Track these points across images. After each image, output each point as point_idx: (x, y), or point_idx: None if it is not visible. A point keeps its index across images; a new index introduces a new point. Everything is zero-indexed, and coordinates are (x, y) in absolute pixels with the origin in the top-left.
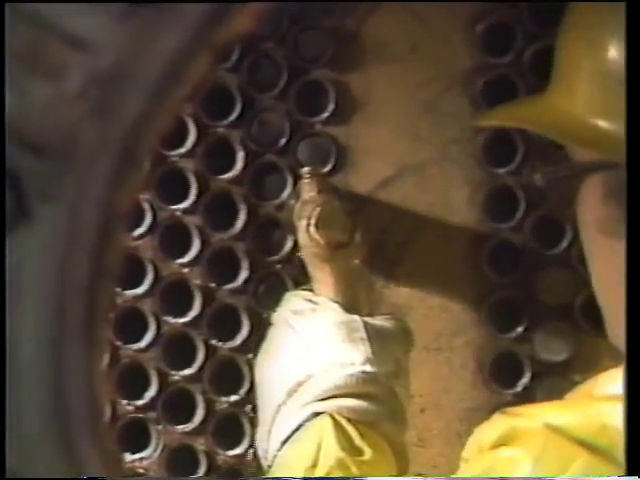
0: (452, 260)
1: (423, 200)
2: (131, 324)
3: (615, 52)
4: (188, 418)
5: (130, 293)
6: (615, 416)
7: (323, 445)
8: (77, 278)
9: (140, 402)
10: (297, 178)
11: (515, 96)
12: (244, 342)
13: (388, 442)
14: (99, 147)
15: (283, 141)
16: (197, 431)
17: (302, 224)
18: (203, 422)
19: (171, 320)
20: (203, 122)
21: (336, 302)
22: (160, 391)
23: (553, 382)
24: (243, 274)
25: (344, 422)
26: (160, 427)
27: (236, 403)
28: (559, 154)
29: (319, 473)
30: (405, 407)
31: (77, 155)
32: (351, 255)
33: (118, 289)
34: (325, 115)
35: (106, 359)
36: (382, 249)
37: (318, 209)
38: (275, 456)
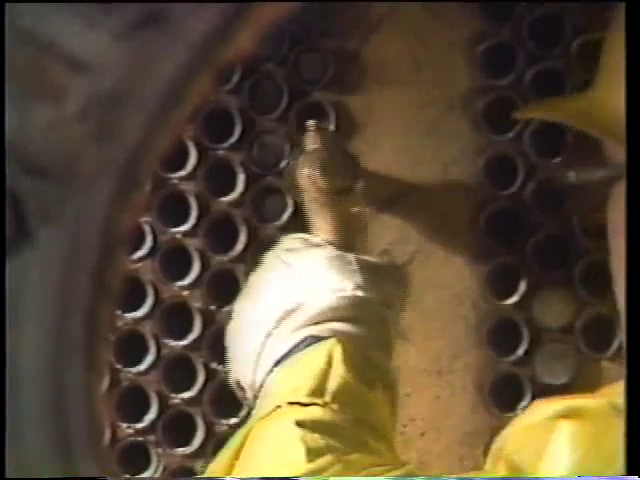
0: (453, 282)
1: (424, 222)
2: (131, 347)
3: None
4: (188, 441)
5: (130, 316)
6: None
7: (333, 366)
8: (77, 300)
9: (140, 425)
10: (298, 199)
11: (515, 117)
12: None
13: (379, 374)
14: (100, 169)
15: (284, 163)
16: (197, 454)
17: (306, 170)
18: (203, 445)
19: (171, 343)
20: (204, 144)
21: (331, 243)
22: (160, 414)
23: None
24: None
25: (353, 348)
26: (160, 450)
27: (236, 426)
28: (594, 156)
29: (327, 396)
30: (393, 338)
31: (78, 177)
32: (351, 202)
33: (118, 311)
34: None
35: (106, 382)
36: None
37: (322, 154)
38: (264, 381)
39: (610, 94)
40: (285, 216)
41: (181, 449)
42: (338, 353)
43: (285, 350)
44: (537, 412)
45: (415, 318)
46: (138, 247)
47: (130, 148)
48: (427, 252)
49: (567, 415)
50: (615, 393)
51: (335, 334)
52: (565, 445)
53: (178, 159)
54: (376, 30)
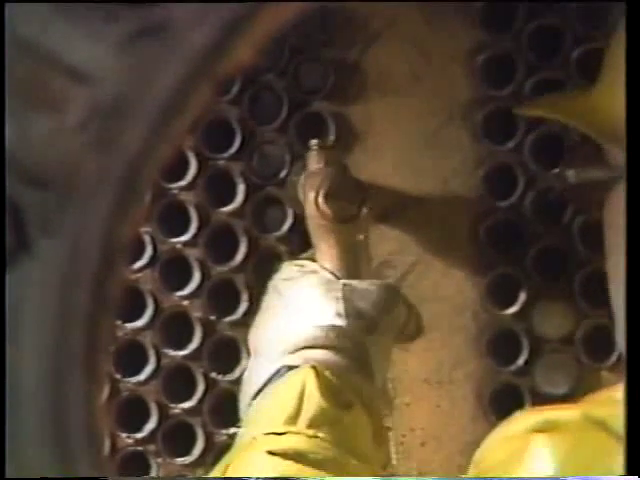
0: (453, 292)
1: (424, 232)
2: (131, 357)
3: None
4: (188, 451)
5: (130, 326)
6: None
7: (306, 393)
8: (77, 310)
9: (140, 435)
10: (298, 210)
11: (515, 128)
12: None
13: (359, 398)
14: (100, 180)
15: (284, 173)
16: (197, 464)
17: (310, 195)
18: (203, 455)
19: (171, 353)
20: (204, 155)
21: (326, 269)
22: (160, 424)
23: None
24: (243, 306)
25: (327, 373)
26: (160, 460)
27: (236, 436)
28: (595, 155)
29: (301, 423)
30: (376, 363)
31: (78, 188)
32: (357, 230)
33: (118, 322)
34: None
35: (106, 392)
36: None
37: (328, 180)
38: (246, 411)
39: (612, 96)
40: (285, 226)
41: (181, 459)
42: (311, 379)
43: (262, 382)
44: (517, 423)
45: None
46: (138, 257)
47: (130, 158)
48: (427, 263)
49: (542, 428)
50: (591, 404)
51: (308, 362)
52: (541, 458)
53: (178, 169)
54: (376, 41)
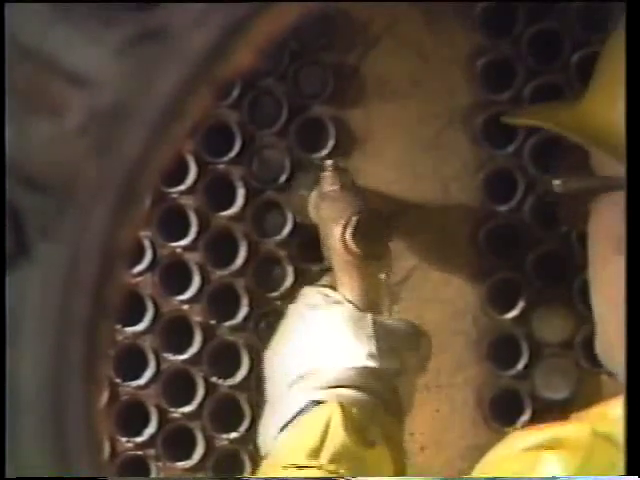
0: (453, 297)
1: (424, 237)
2: (131, 361)
3: None
4: (188, 455)
5: (130, 330)
6: None
7: (330, 429)
8: (77, 315)
9: (140, 439)
10: (303, 220)
11: (515, 133)
12: (244, 379)
13: (385, 438)
14: (99, 184)
15: (284, 178)
16: (197, 468)
17: (336, 229)
18: (203, 459)
19: (171, 357)
20: (203, 159)
21: (351, 302)
22: (160, 428)
23: (554, 420)
24: (243, 311)
25: (354, 410)
26: (160, 464)
27: (236, 440)
28: (582, 165)
29: (324, 458)
30: (405, 405)
31: (77, 192)
32: (381, 267)
33: (118, 326)
34: (325, 152)
35: (106, 396)
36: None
37: (356, 217)
38: (273, 442)
39: (601, 106)
40: (285, 231)
41: (181, 463)
42: (337, 416)
43: (290, 415)
44: (514, 443)
45: None
46: (138, 261)
47: (130, 163)
48: (427, 268)
49: (550, 446)
50: (598, 419)
51: (339, 399)
52: (552, 476)
53: (178, 173)
54: (376, 45)
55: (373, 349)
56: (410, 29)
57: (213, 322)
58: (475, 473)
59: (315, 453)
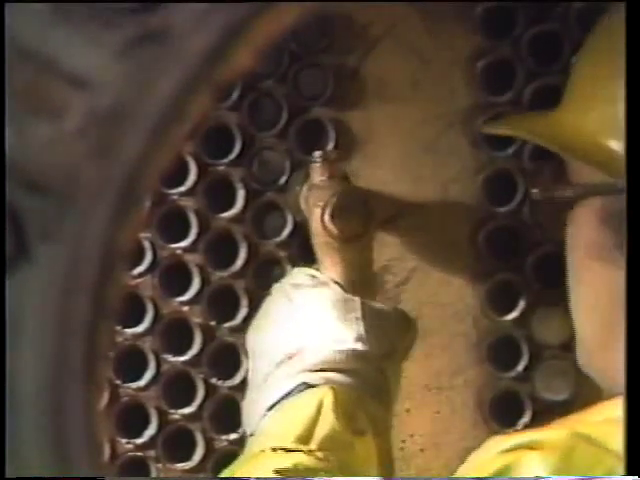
0: (452, 299)
1: (423, 239)
2: (131, 362)
3: None
4: (188, 456)
5: (130, 331)
6: None
7: (321, 414)
8: (77, 316)
9: (140, 441)
10: (298, 218)
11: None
12: (244, 381)
13: (372, 422)
14: (99, 186)
15: (284, 180)
16: (197, 469)
17: (316, 212)
18: (203, 460)
19: (171, 358)
20: (203, 161)
21: (337, 283)
22: (160, 430)
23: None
24: (243, 312)
25: (345, 397)
26: (160, 465)
27: (236, 441)
28: (559, 174)
29: (313, 443)
30: (393, 390)
31: (77, 194)
32: (363, 247)
33: (118, 327)
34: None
35: (106, 397)
36: (382, 288)
37: (334, 197)
38: (260, 421)
39: (575, 115)
40: (285, 232)
41: (181, 464)
42: (328, 401)
43: (279, 396)
44: (494, 446)
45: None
46: (138, 263)
47: (130, 164)
48: (427, 269)
49: (531, 446)
50: (577, 423)
51: (328, 382)
52: (535, 473)
53: (178, 175)
54: (376, 47)
55: (362, 331)
56: (410, 31)
57: (213, 323)
58: (458, 473)
59: (305, 438)
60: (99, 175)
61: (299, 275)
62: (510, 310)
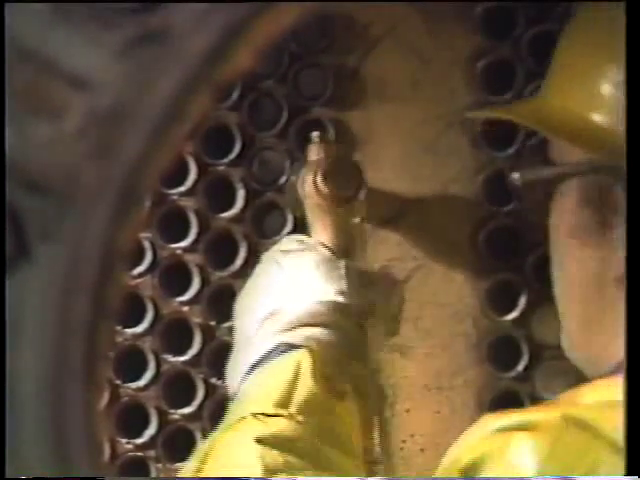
0: (453, 298)
1: (424, 238)
2: (131, 362)
3: (614, 55)
4: (188, 456)
5: (130, 331)
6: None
7: (300, 378)
8: (77, 316)
9: (140, 440)
10: (297, 213)
11: (515, 134)
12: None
13: (352, 383)
14: (99, 186)
15: (283, 179)
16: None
17: (309, 176)
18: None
19: (171, 358)
20: (203, 161)
21: (326, 246)
22: (160, 429)
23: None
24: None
25: (324, 359)
26: (160, 465)
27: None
28: (542, 159)
29: (293, 407)
30: (371, 349)
31: (77, 194)
32: (353, 211)
33: (118, 327)
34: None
35: (106, 397)
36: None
37: (328, 160)
38: (241, 383)
39: (559, 95)
40: (285, 232)
41: (181, 464)
42: (307, 364)
43: (259, 356)
44: (486, 425)
45: (415, 335)
46: (138, 263)
47: (130, 164)
48: (427, 269)
49: (523, 428)
50: (569, 405)
51: (308, 341)
52: (522, 455)
53: (178, 175)
54: (376, 47)
55: (343, 287)
56: (410, 31)
57: (213, 323)
58: (449, 454)
59: (284, 402)
60: (99, 175)
61: (288, 241)
62: (510, 310)
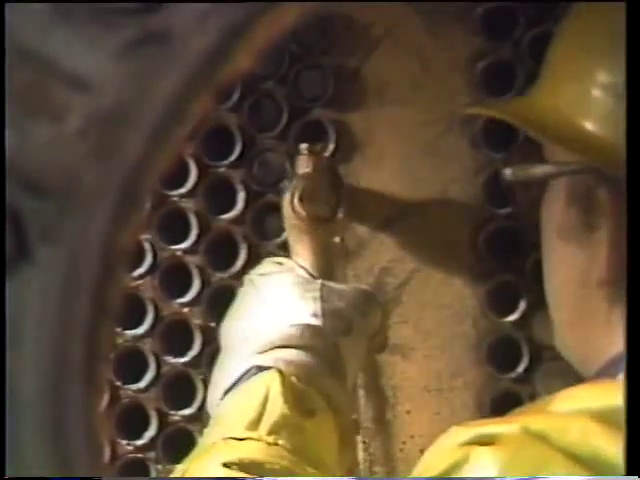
0: (453, 300)
1: (423, 240)
2: (131, 364)
3: (604, 59)
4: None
5: (130, 333)
6: (594, 429)
7: (269, 399)
8: (77, 318)
9: (140, 442)
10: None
11: (515, 136)
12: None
13: (328, 400)
14: (100, 187)
15: (284, 181)
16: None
17: (287, 196)
18: None
19: (171, 360)
20: (204, 162)
21: (303, 267)
22: (160, 431)
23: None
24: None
25: (293, 379)
26: (160, 467)
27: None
28: (535, 156)
29: (262, 429)
30: (348, 367)
31: (78, 195)
32: (332, 231)
33: (118, 329)
34: (325, 155)
35: (106, 399)
36: (382, 289)
37: (303, 182)
38: (217, 407)
39: (549, 96)
40: (285, 234)
41: (180, 466)
42: (276, 385)
43: (233, 380)
44: (455, 436)
45: (415, 336)
46: (138, 264)
47: (130, 166)
48: (427, 271)
49: (482, 441)
50: (527, 417)
51: (278, 363)
52: (482, 470)
53: (178, 177)
54: (376, 48)
55: (317, 309)
56: (410, 32)
57: (213, 325)
58: (420, 463)
59: (254, 424)
60: (99, 176)
61: (267, 264)
62: (510, 311)
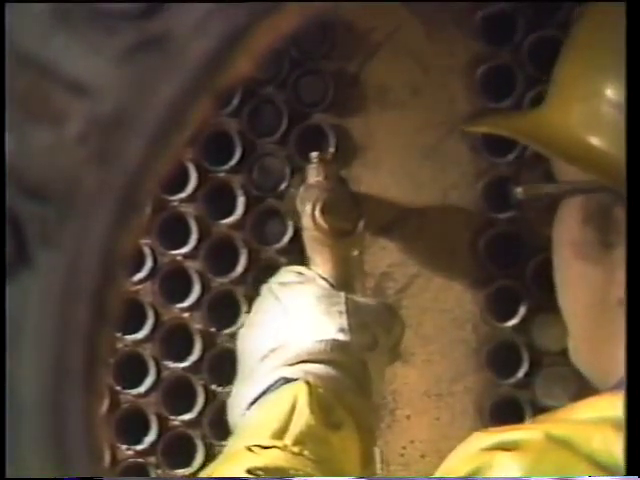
0: (452, 305)
1: (423, 245)
2: (131, 369)
3: (613, 76)
4: (188, 463)
5: (130, 338)
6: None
7: (296, 409)
8: (77, 323)
9: (140, 447)
10: (297, 222)
11: (514, 142)
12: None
13: (353, 415)
14: (100, 192)
15: (284, 186)
16: (197, 476)
17: (308, 207)
18: (203, 467)
19: (171, 365)
20: (204, 167)
21: (324, 279)
22: (160, 436)
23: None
24: (243, 319)
25: (320, 390)
26: (160, 472)
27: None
28: (543, 172)
29: (288, 439)
30: (375, 383)
31: (78, 200)
32: (352, 244)
33: (118, 334)
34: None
35: (106, 404)
36: (383, 294)
37: (325, 194)
38: (241, 418)
39: (557, 113)
40: (285, 238)
41: (181, 470)
42: (303, 396)
43: (259, 391)
44: (478, 442)
45: (415, 341)
46: (138, 269)
47: (130, 171)
48: (427, 276)
49: (506, 447)
50: (551, 424)
51: (306, 375)
52: (506, 474)
53: (178, 182)
54: (376, 53)
55: (344, 324)
56: (410, 37)
57: (213, 330)
58: (441, 467)
59: (280, 433)
60: (99, 181)
61: (287, 273)
62: (510, 316)
